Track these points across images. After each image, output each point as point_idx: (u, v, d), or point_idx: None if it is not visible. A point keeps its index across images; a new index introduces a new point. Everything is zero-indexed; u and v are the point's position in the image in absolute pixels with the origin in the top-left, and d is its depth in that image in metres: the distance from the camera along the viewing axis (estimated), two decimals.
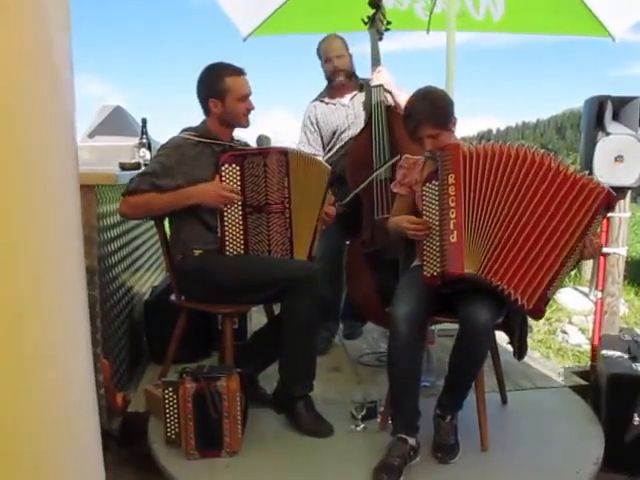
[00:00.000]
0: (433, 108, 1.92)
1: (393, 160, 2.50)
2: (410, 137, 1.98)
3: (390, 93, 2.69)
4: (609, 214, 2.51)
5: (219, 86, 2.05)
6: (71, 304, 0.77)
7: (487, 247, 1.79)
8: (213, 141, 2.10)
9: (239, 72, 2.07)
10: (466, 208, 1.81)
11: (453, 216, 1.80)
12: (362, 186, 2.58)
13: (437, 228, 1.83)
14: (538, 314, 1.81)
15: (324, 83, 2.83)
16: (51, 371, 0.74)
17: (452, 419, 1.87)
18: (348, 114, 2.76)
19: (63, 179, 0.77)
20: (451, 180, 1.82)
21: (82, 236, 0.82)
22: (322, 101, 2.82)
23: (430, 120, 1.90)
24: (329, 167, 2.28)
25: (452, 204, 1.81)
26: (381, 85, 2.67)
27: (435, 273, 1.81)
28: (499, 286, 1.75)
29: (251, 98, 2.12)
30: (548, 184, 1.78)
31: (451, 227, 1.80)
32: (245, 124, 2.14)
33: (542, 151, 1.83)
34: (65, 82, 0.76)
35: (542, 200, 1.78)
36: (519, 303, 1.75)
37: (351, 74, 2.76)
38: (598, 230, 1.88)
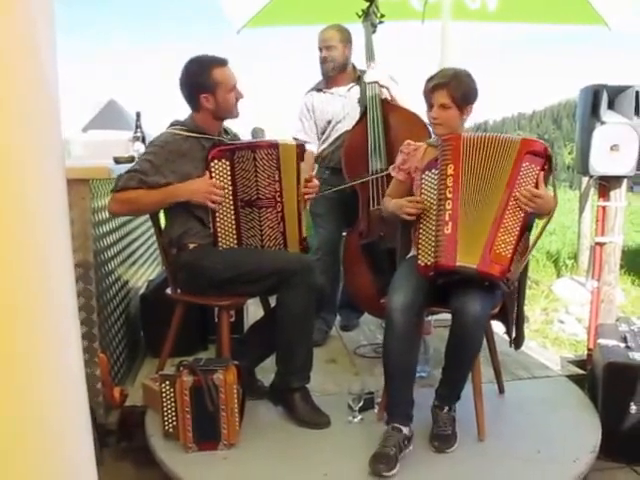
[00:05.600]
0: (457, 79, 1.91)
1: (383, 174, 2.50)
2: (426, 101, 1.96)
3: (387, 89, 2.67)
4: (605, 203, 2.53)
5: (208, 80, 2.01)
6: (59, 302, 0.76)
7: (477, 238, 1.78)
8: (202, 135, 2.07)
9: (224, 63, 2.04)
10: (462, 200, 1.80)
11: (449, 207, 1.80)
12: (359, 181, 2.58)
13: (433, 217, 1.83)
14: (492, 274, 1.76)
15: (318, 74, 2.82)
16: (40, 369, 0.73)
17: (450, 410, 1.87)
18: (344, 104, 2.74)
19: (49, 176, 0.75)
20: (450, 171, 1.82)
21: (70, 232, 0.80)
22: (319, 90, 2.80)
23: (448, 88, 1.89)
24: (294, 143, 2.19)
25: (449, 195, 1.80)
26: (376, 82, 2.66)
27: (429, 263, 1.80)
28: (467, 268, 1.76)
29: (238, 87, 2.09)
30: (500, 158, 1.81)
31: (446, 218, 1.79)
32: (236, 114, 2.12)
33: (523, 137, 1.86)
34: (50, 76, 0.74)
35: (496, 174, 1.81)
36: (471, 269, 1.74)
37: (343, 65, 2.73)
38: (549, 188, 1.84)
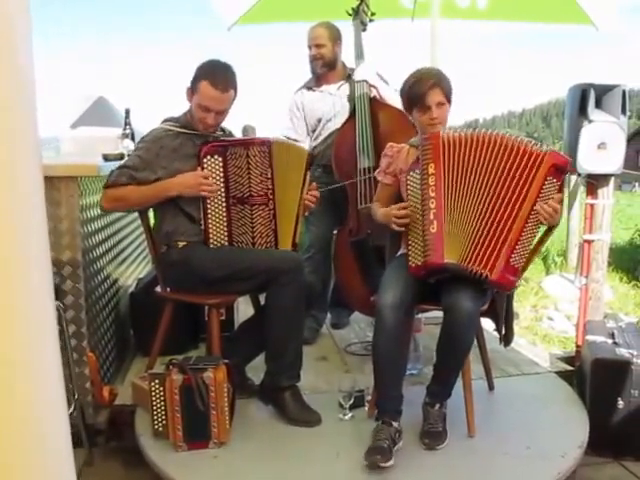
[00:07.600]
0: (443, 76, 1.95)
1: (372, 174, 2.50)
2: (418, 105, 1.91)
3: (375, 88, 2.67)
4: (593, 201, 2.55)
5: (195, 83, 2.01)
6: (36, 307, 0.75)
7: (467, 235, 1.80)
8: (195, 132, 2.06)
9: (216, 85, 1.97)
10: (445, 197, 1.81)
11: (433, 206, 1.81)
12: (348, 182, 2.59)
13: (420, 218, 1.83)
14: (505, 284, 1.80)
15: (308, 72, 2.82)
16: (19, 368, 0.72)
17: (441, 407, 1.88)
18: (334, 102, 2.74)
19: (24, 174, 0.74)
20: (431, 170, 1.82)
21: (47, 234, 0.79)
22: (309, 88, 2.80)
23: (441, 85, 1.91)
24: (306, 150, 2.24)
25: (432, 194, 1.81)
26: (365, 80, 2.66)
27: (419, 263, 1.81)
28: (477, 272, 1.76)
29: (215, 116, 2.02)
30: (512, 164, 1.80)
31: (431, 217, 1.80)
32: (201, 129, 2.05)
33: (515, 136, 1.85)
34: (25, 67, 0.73)
35: (507, 180, 1.80)
36: (482, 275, 1.75)
37: (332, 63, 2.72)
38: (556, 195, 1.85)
